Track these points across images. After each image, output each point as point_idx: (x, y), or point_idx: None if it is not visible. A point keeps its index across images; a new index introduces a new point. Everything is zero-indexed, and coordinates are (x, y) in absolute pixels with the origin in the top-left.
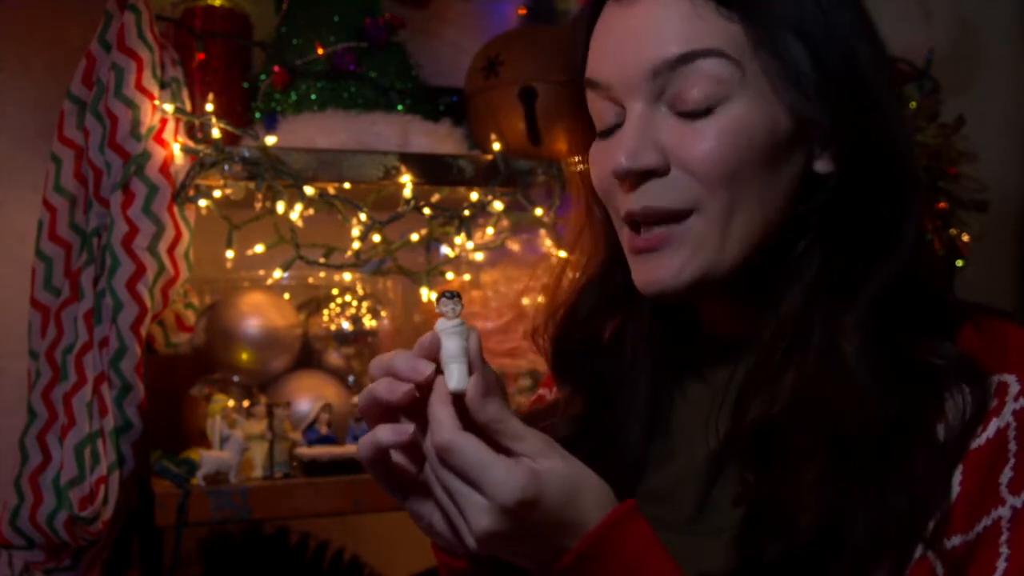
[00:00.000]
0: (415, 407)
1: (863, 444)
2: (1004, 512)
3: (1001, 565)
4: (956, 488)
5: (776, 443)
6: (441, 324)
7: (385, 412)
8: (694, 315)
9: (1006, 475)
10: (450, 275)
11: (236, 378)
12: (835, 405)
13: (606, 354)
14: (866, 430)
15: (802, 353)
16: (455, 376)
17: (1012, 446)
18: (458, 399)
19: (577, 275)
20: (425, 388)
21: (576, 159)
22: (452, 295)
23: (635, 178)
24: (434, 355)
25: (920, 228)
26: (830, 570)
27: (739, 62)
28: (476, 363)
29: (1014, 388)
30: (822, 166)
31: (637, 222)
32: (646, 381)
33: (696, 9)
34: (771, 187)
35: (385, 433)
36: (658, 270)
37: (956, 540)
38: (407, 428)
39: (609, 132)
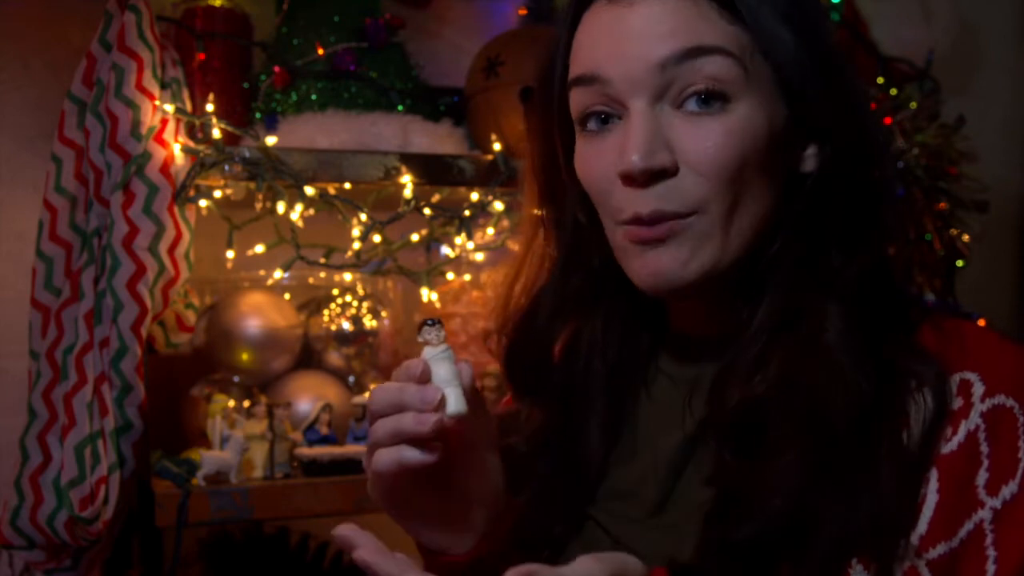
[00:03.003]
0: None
1: (842, 432)
2: (985, 515)
3: (990, 568)
4: (934, 496)
5: (758, 425)
6: (428, 351)
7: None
8: (660, 315)
9: (982, 477)
10: (450, 275)
11: (236, 378)
12: (819, 390)
13: (561, 364)
14: (847, 417)
15: (788, 339)
16: (453, 400)
17: (984, 448)
18: (459, 422)
19: (526, 283)
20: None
21: (527, 162)
22: (434, 322)
23: (647, 177)
24: (425, 382)
25: (896, 214)
26: (793, 560)
27: (743, 62)
28: (471, 396)
29: (978, 388)
30: (806, 164)
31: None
32: (602, 386)
33: (700, 9)
34: (767, 187)
35: (413, 453)
36: (663, 261)
37: (941, 549)
38: (433, 454)
39: (600, 130)
